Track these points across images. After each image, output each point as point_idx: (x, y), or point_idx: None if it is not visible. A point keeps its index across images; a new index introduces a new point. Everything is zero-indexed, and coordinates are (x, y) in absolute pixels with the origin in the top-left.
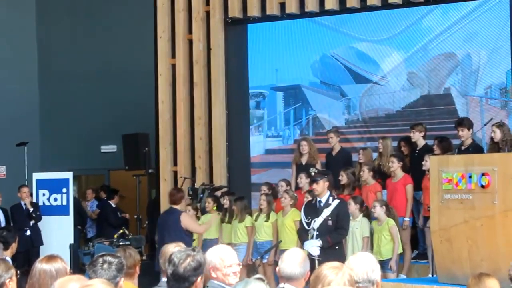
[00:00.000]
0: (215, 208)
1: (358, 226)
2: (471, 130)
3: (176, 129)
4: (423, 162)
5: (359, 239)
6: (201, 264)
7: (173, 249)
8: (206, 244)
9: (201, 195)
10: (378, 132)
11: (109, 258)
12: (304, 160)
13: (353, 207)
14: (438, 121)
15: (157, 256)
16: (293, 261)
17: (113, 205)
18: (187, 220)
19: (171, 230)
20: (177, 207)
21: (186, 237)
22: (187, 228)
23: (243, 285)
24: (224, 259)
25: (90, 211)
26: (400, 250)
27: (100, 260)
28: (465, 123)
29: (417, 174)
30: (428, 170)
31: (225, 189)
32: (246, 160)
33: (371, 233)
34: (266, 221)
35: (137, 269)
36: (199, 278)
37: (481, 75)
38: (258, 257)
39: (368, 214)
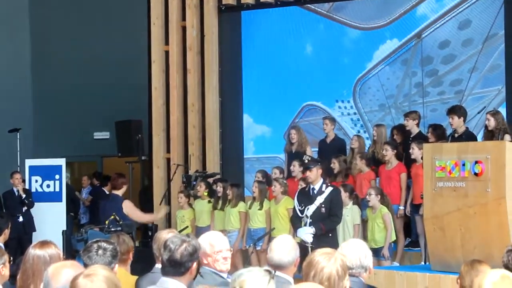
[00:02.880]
0: (206, 193)
1: (349, 213)
2: (462, 118)
3: (169, 116)
4: (410, 151)
5: (350, 226)
6: (197, 249)
7: (167, 235)
8: (199, 232)
9: (194, 182)
10: (372, 120)
11: (104, 244)
12: (294, 148)
13: (343, 195)
14: (432, 109)
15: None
16: (281, 249)
17: (107, 192)
18: (129, 207)
19: (109, 214)
20: (118, 192)
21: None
22: (129, 215)
23: (249, 268)
24: (214, 245)
25: (84, 198)
26: (393, 238)
27: (95, 246)
28: (455, 110)
29: (410, 162)
30: (421, 158)
31: (217, 176)
32: (239, 147)
33: (366, 221)
34: (260, 208)
35: (130, 255)
36: (194, 264)
37: (475, 63)
38: (252, 244)
39: (358, 202)
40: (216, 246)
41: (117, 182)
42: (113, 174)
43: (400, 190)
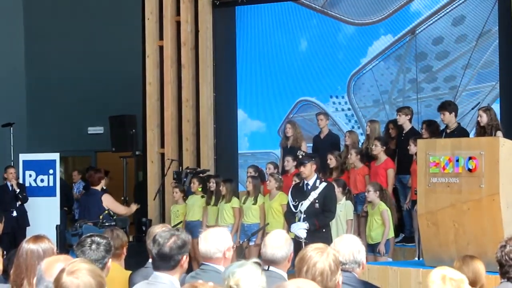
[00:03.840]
0: (200, 189)
1: (342, 208)
2: (453, 113)
3: (163, 111)
4: (408, 147)
5: (343, 222)
6: (186, 242)
7: (160, 229)
8: (188, 226)
9: (185, 179)
10: (366, 116)
11: (97, 239)
12: (289, 143)
13: (336, 190)
14: (426, 105)
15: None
16: (274, 244)
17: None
18: (109, 201)
19: (91, 210)
20: (97, 187)
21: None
22: (109, 208)
23: (239, 263)
24: (226, 242)
25: (76, 193)
26: (392, 235)
27: (89, 240)
28: (446, 107)
29: (403, 157)
30: (416, 154)
31: (208, 173)
32: (234, 142)
33: (361, 216)
34: (254, 204)
35: (124, 250)
36: (184, 257)
37: (469, 59)
38: (245, 239)
39: (351, 197)
40: (228, 243)
41: (94, 178)
42: (90, 171)
43: (386, 186)
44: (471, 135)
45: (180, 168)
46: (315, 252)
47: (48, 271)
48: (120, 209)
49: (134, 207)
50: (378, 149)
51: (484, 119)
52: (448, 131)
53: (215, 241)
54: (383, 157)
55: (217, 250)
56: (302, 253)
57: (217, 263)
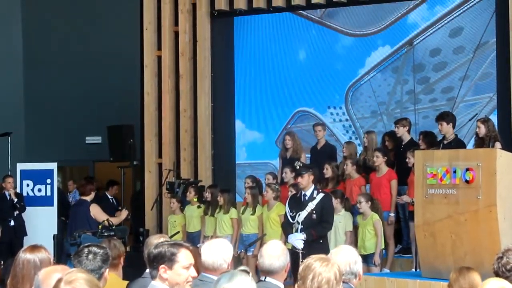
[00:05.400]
0: (196, 199)
1: (341, 220)
2: (450, 124)
3: (161, 121)
4: (407, 160)
5: (341, 233)
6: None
7: (158, 240)
8: (189, 237)
9: (177, 190)
10: (363, 127)
11: (94, 249)
12: (288, 154)
13: (334, 201)
14: (423, 116)
15: None
16: (271, 255)
17: (110, 197)
18: (95, 210)
19: (77, 220)
20: (87, 198)
21: (92, 225)
22: (96, 218)
23: (228, 277)
24: (230, 254)
25: (72, 203)
26: (383, 245)
27: (86, 250)
28: (444, 117)
29: (402, 169)
30: (413, 165)
31: (204, 183)
32: (231, 153)
33: (356, 227)
34: (252, 214)
35: (122, 260)
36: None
37: (467, 70)
38: (243, 250)
39: (350, 207)
40: (231, 254)
41: (85, 188)
42: (81, 181)
43: (391, 196)
44: (470, 146)
45: (174, 178)
46: (320, 262)
47: (45, 281)
48: (105, 218)
49: (124, 213)
50: (379, 160)
51: (482, 130)
52: (445, 142)
53: (221, 252)
54: (384, 168)
55: (224, 261)
56: (307, 262)
57: (218, 275)
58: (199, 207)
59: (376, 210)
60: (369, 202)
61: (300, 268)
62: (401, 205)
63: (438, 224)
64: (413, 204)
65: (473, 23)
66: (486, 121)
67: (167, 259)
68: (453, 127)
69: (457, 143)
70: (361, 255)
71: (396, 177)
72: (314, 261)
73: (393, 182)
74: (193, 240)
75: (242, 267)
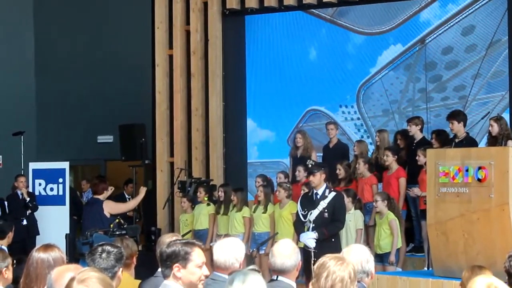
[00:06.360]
0: (206, 198)
1: (351, 218)
2: (462, 122)
3: (173, 120)
4: (417, 158)
5: (352, 231)
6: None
7: (171, 239)
8: (197, 235)
9: (189, 189)
10: (375, 125)
11: (108, 248)
12: (299, 152)
13: (346, 200)
14: (435, 114)
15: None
16: (283, 254)
17: (127, 196)
18: (111, 207)
19: (90, 218)
20: (100, 196)
21: (106, 223)
22: (112, 213)
23: (242, 279)
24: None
25: (85, 202)
26: (400, 245)
27: (99, 249)
28: (455, 116)
29: (414, 167)
30: (425, 164)
31: (216, 182)
32: (243, 152)
33: (369, 226)
34: (264, 212)
35: (134, 259)
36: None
37: (479, 68)
38: (255, 248)
39: (360, 206)
40: (243, 253)
41: (98, 187)
42: (93, 180)
43: (399, 195)
44: (482, 144)
45: (185, 177)
46: (335, 261)
47: (58, 281)
48: (127, 206)
49: (142, 190)
50: (390, 158)
51: (495, 128)
52: (456, 140)
53: (233, 251)
54: (395, 166)
55: (235, 260)
56: (322, 260)
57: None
58: (208, 204)
59: (393, 209)
60: (385, 201)
61: (315, 266)
62: (413, 203)
63: (450, 223)
64: (424, 198)
65: (485, 21)
66: (499, 119)
67: (181, 258)
68: (464, 125)
69: (469, 141)
70: (376, 254)
71: (405, 175)
72: (329, 260)
73: (401, 179)
74: (200, 237)
75: (251, 266)
